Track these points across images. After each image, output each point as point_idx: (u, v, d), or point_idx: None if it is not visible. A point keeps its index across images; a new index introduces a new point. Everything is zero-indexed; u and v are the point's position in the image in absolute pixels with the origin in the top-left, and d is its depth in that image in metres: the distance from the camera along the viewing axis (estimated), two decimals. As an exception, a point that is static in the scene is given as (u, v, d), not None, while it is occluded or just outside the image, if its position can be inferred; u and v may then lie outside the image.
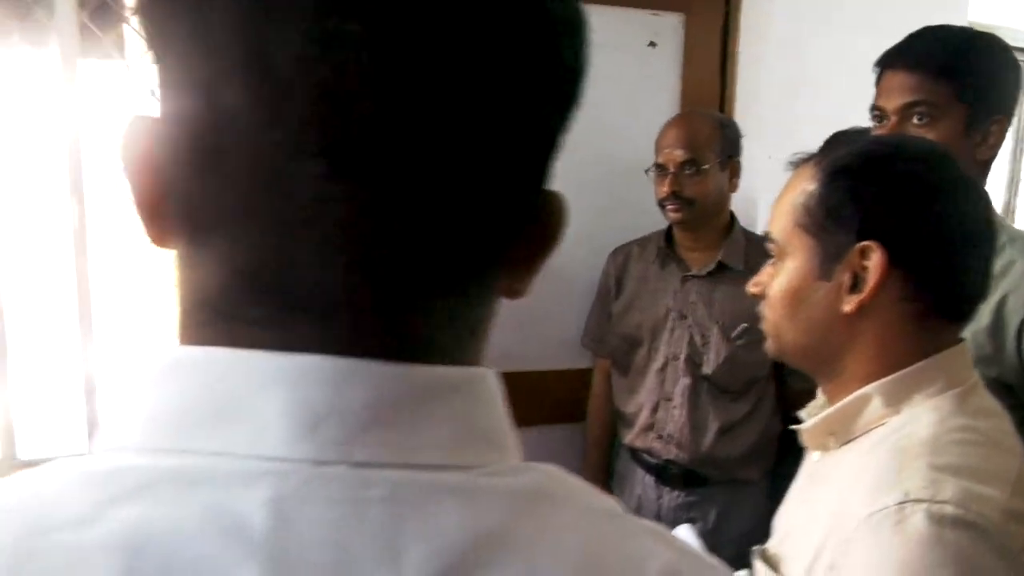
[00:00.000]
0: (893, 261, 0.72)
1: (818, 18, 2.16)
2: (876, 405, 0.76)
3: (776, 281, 0.82)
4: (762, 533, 1.11)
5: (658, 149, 1.76)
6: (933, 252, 0.73)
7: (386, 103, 0.31)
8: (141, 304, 2.08)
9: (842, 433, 0.79)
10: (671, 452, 1.76)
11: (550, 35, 0.36)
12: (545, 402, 2.01)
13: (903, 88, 1.20)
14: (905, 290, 0.74)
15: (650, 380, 1.81)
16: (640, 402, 1.82)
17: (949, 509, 0.61)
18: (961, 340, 0.78)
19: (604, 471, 1.97)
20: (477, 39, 0.32)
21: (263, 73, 0.31)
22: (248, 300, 0.33)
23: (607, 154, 2.03)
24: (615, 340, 1.89)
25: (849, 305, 0.75)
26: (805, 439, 0.85)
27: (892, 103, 1.21)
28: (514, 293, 0.41)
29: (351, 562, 0.30)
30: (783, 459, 1.76)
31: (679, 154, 1.70)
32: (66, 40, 1.69)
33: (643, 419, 1.81)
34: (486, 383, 0.37)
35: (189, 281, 0.36)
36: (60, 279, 1.78)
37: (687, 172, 1.70)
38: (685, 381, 1.76)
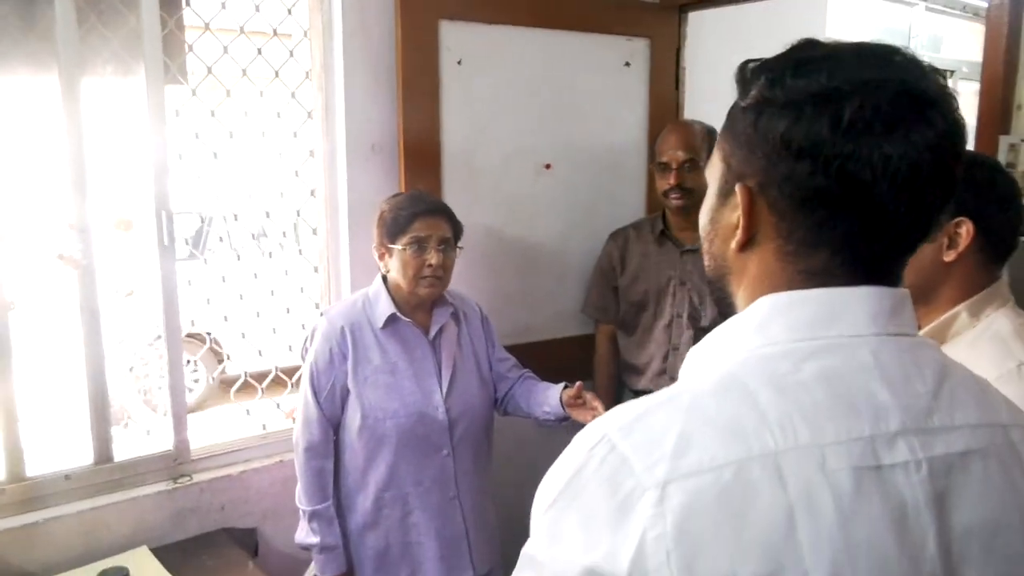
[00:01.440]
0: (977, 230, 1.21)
1: (733, 37, 2.73)
2: (964, 318, 1.25)
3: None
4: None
5: (661, 151, 2.21)
6: (999, 223, 1.23)
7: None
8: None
9: (938, 341, 1.28)
10: (681, 389, 2.24)
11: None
12: (557, 364, 2.39)
13: None
14: (979, 244, 1.23)
15: (658, 335, 2.27)
16: (651, 353, 2.28)
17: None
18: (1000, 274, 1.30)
19: (614, 414, 2.41)
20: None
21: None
22: (839, 272, 0.69)
23: (594, 156, 2.46)
24: (623, 306, 2.33)
25: (948, 257, 1.23)
26: None
27: None
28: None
29: (906, 374, 0.68)
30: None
31: (681, 155, 2.17)
32: (151, 69, 1.83)
33: (655, 366, 2.27)
34: (909, 296, 0.75)
35: (797, 265, 0.72)
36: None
37: (687, 169, 2.17)
38: (688, 333, 2.24)
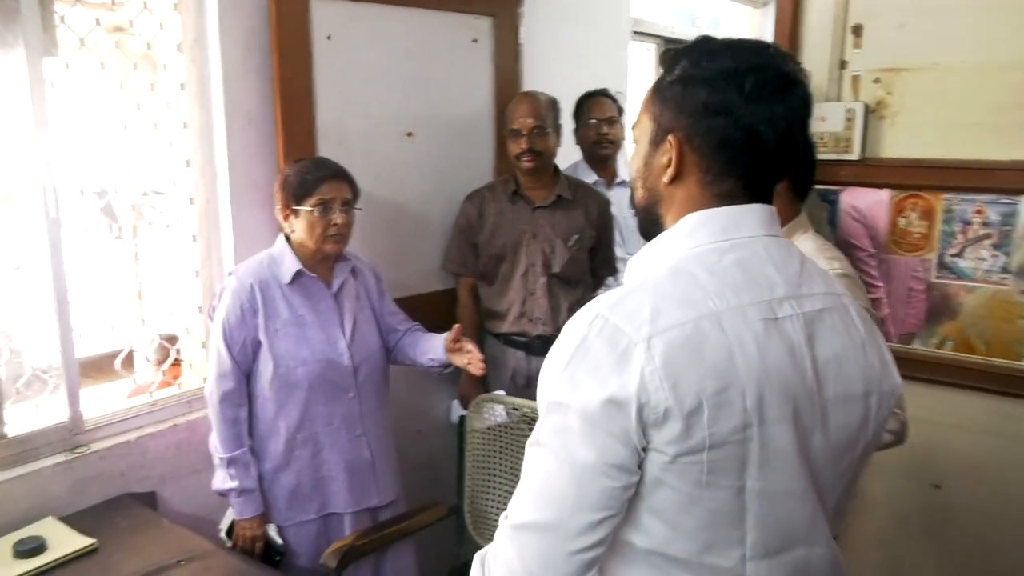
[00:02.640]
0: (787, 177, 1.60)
1: (558, 18, 3.07)
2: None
3: None
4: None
5: (512, 119, 2.50)
6: (802, 172, 1.63)
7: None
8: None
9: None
10: (538, 329, 2.56)
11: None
12: (423, 317, 2.62)
13: None
14: (788, 186, 1.63)
15: (516, 283, 2.57)
16: (511, 299, 2.58)
17: (850, 270, 1.53)
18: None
19: (479, 357, 2.69)
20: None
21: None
22: (740, 195, 1.01)
23: (449, 125, 2.70)
24: (483, 260, 2.61)
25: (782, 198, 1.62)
26: None
27: None
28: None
29: (784, 260, 1.01)
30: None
31: (531, 122, 2.46)
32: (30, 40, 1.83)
33: (515, 311, 2.57)
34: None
35: (712, 190, 1.04)
36: (36, 265, 1.91)
37: (536, 134, 2.47)
38: (543, 279, 2.56)
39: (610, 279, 2.78)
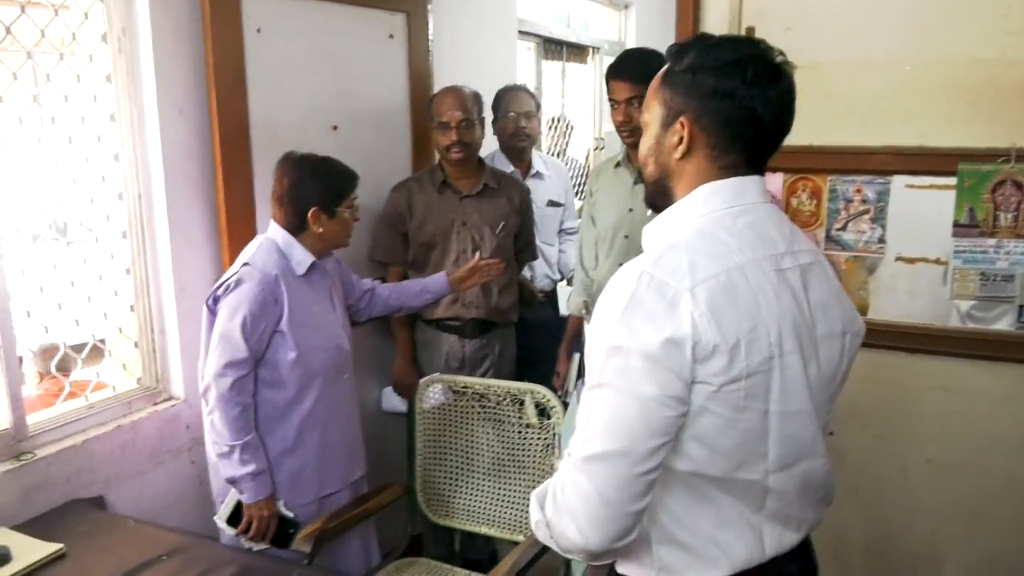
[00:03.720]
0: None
1: (456, 16, 3.19)
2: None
3: None
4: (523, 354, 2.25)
5: (440, 112, 2.59)
6: None
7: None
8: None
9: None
10: (471, 312, 2.68)
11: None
12: (352, 306, 2.69)
13: (623, 89, 2.29)
14: None
15: (448, 269, 2.66)
16: (443, 286, 2.68)
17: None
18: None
19: (411, 344, 2.77)
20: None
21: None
22: (743, 167, 1.20)
23: (370, 118, 2.76)
24: (414, 248, 2.69)
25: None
26: None
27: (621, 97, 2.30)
28: None
29: (779, 222, 1.20)
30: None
31: (458, 115, 2.57)
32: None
33: (448, 296, 2.67)
34: None
35: (719, 163, 1.23)
36: None
37: (464, 127, 2.58)
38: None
39: (532, 263, 2.94)
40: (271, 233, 2.07)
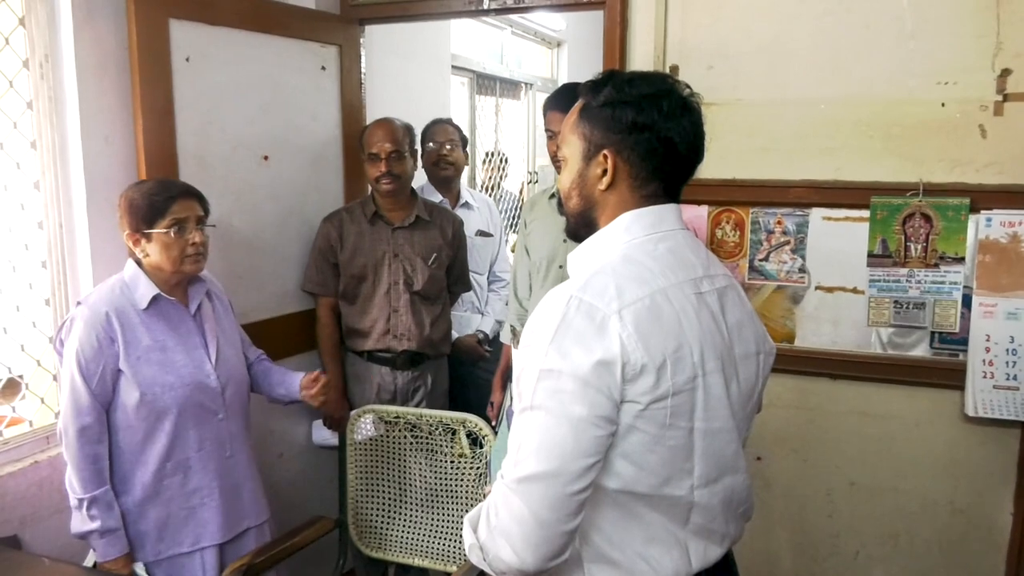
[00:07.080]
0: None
1: (391, 51, 3.22)
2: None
3: None
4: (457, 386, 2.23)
5: (370, 144, 2.60)
6: None
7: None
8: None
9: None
10: (403, 344, 2.67)
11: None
12: (282, 339, 2.66)
13: (560, 120, 2.34)
14: None
15: (379, 300, 2.66)
16: (375, 317, 2.66)
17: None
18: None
19: (341, 377, 2.74)
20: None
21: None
22: (661, 195, 1.25)
23: (302, 149, 2.75)
24: (344, 279, 2.67)
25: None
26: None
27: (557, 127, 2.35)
28: None
29: (696, 248, 1.26)
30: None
31: (388, 147, 2.58)
32: None
33: (380, 327, 2.66)
34: None
35: (640, 192, 1.27)
36: None
37: (394, 159, 2.59)
38: (405, 296, 2.67)
39: (464, 295, 2.95)
40: (126, 267, 1.98)
